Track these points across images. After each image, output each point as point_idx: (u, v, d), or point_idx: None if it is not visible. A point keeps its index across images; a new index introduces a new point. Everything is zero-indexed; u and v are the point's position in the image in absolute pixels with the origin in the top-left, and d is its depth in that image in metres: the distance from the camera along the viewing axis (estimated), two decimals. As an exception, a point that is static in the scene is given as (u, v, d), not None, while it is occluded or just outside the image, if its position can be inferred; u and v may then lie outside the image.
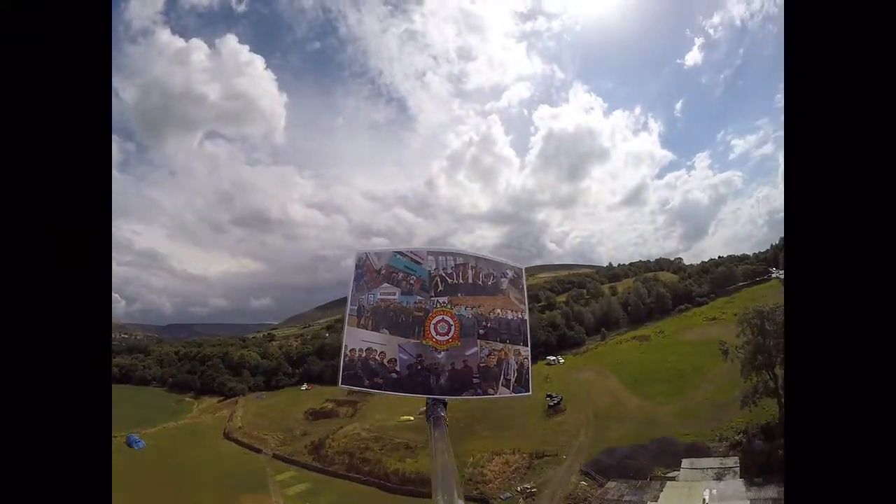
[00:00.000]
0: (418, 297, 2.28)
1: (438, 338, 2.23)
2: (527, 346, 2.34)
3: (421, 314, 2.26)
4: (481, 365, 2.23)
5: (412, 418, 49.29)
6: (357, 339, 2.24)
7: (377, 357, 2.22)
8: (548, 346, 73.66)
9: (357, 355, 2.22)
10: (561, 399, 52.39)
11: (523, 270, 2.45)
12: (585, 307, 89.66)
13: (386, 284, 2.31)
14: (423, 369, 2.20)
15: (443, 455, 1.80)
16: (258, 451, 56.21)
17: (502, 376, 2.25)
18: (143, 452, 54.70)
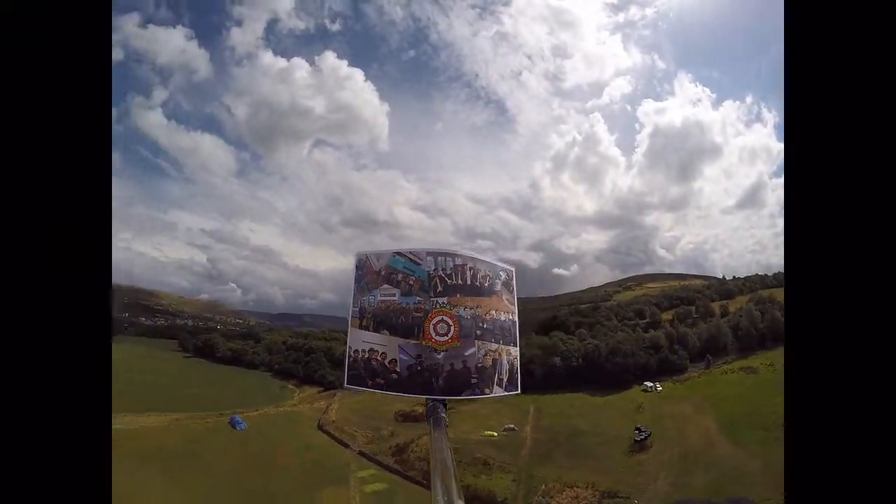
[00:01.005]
0: (418, 298, 2.29)
1: (438, 338, 2.23)
2: (516, 346, 2.36)
3: (420, 315, 2.27)
4: (479, 365, 2.24)
5: (496, 434, 49.74)
6: (360, 341, 2.27)
7: (379, 358, 2.24)
8: (647, 371, 69.12)
9: (360, 356, 2.25)
10: (648, 435, 48.97)
11: (513, 272, 2.47)
12: (692, 328, 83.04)
13: (386, 285, 2.32)
14: (422, 370, 2.21)
15: (443, 455, 1.81)
16: (346, 445, 58.13)
17: (496, 376, 2.27)
18: (244, 433, 57.86)
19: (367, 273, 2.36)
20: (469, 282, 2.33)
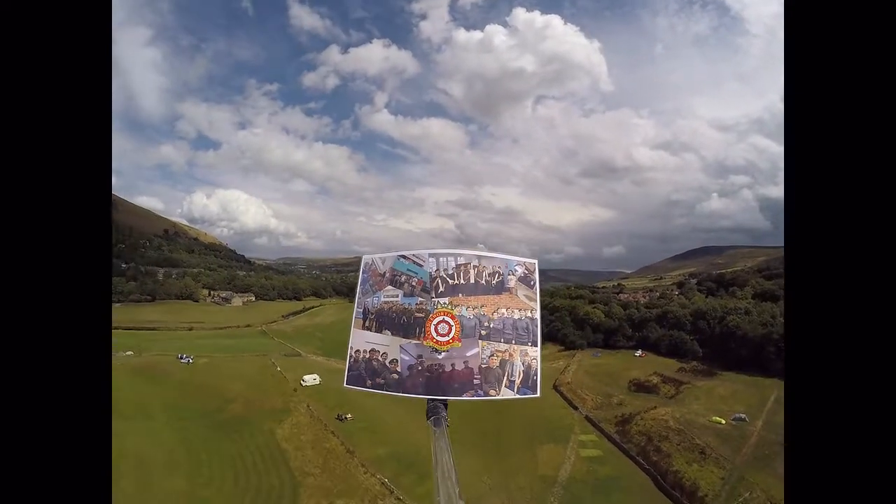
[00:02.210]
0: (419, 299, 2.30)
1: (439, 338, 2.23)
2: (536, 346, 2.29)
3: (422, 315, 2.28)
4: (483, 366, 2.22)
5: (723, 422, 46.35)
6: (362, 341, 2.30)
7: (380, 358, 2.26)
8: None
9: (361, 356, 2.28)
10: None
11: (536, 265, 2.38)
12: None
13: (389, 287, 2.35)
14: (423, 370, 2.21)
15: (443, 455, 1.81)
16: (575, 408, 57.48)
17: (505, 378, 2.23)
18: None
19: (372, 275, 2.40)
20: (472, 280, 2.32)
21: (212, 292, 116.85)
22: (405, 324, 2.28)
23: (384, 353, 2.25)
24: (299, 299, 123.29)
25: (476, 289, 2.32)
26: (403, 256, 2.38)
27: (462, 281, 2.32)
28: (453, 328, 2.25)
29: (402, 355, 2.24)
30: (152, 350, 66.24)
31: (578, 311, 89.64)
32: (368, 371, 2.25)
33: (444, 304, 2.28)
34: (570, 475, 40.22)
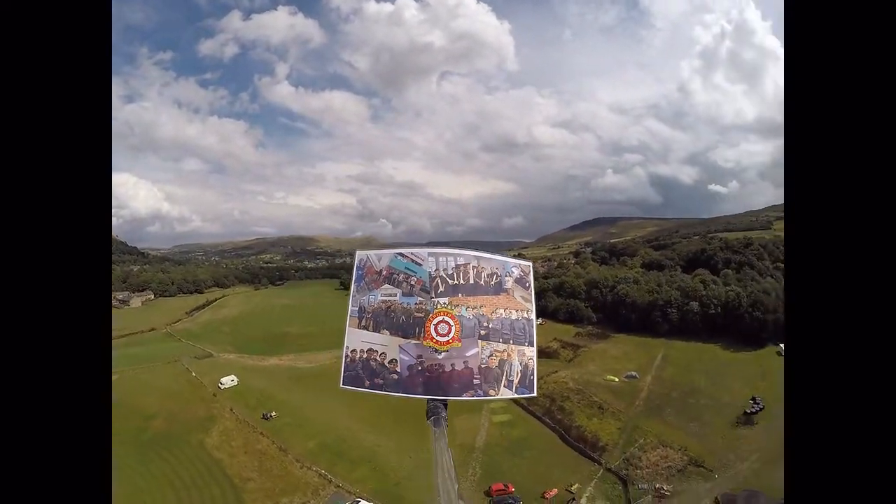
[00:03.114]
0: (419, 298, 2.29)
1: (439, 338, 2.23)
2: (532, 346, 2.32)
3: (422, 315, 2.26)
4: (482, 366, 2.22)
5: (616, 380, 50.78)
6: (358, 340, 2.26)
7: (378, 358, 2.23)
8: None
9: (358, 356, 2.25)
10: (761, 409, 43.80)
11: (531, 267, 2.43)
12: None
13: (387, 285, 2.32)
14: (423, 370, 2.20)
15: (443, 455, 1.80)
16: None
17: (504, 377, 2.24)
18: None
19: (368, 273, 2.37)
20: (472, 281, 2.32)
21: None
22: (404, 324, 2.26)
23: (383, 353, 2.23)
24: (201, 292, 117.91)
25: (475, 289, 2.32)
26: (401, 254, 2.36)
27: (462, 281, 2.32)
28: (453, 328, 2.24)
29: (401, 355, 2.22)
30: (53, 368, 63.38)
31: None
32: (366, 371, 2.23)
33: (444, 303, 2.28)
34: (485, 441, 42.70)
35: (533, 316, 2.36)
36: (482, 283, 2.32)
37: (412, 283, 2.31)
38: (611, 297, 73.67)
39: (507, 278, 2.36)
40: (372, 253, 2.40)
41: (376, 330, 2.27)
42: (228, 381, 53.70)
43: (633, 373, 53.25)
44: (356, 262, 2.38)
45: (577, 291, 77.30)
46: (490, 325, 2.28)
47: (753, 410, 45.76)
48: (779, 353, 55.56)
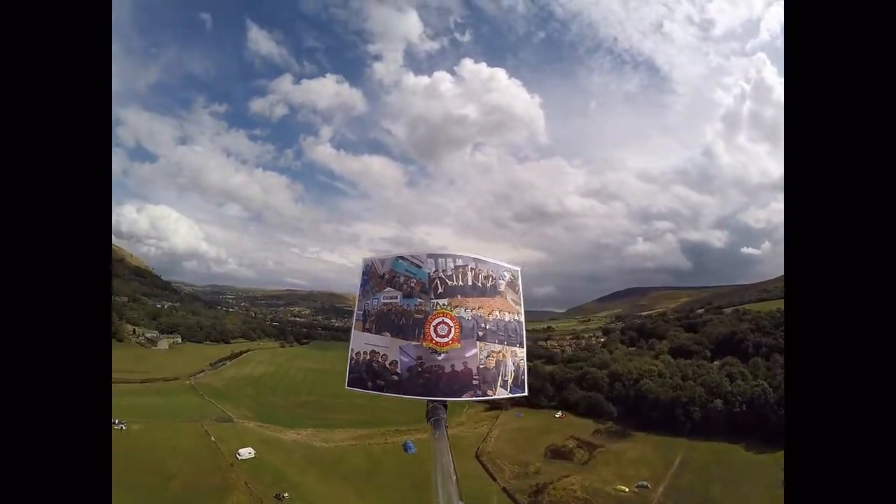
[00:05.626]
0: (419, 300, 2.31)
1: (438, 339, 2.24)
2: (522, 347, 2.36)
3: (421, 316, 2.28)
4: (480, 367, 2.24)
5: (626, 490, 49.32)
6: (362, 343, 2.29)
7: (380, 360, 2.25)
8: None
9: (362, 358, 2.27)
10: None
11: (519, 272, 2.47)
12: None
13: (389, 288, 2.34)
14: (423, 371, 2.21)
15: (443, 456, 1.81)
16: (494, 479, 59.26)
17: (500, 378, 2.26)
18: (415, 456, 59.77)
19: (372, 277, 2.39)
20: (470, 282, 2.34)
21: (136, 330, 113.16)
22: (404, 325, 2.27)
23: (384, 355, 2.25)
24: (227, 342, 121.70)
25: (473, 291, 2.34)
26: (402, 258, 2.39)
27: (461, 283, 2.33)
28: (452, 329, 2.25)
29: (401, 357, 2.23)
30: (80, 410, 65.20)
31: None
32: (369, 373, 2.25)
33: (444, 304, 2.29)
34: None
35: (522, 318, 2.41)
36: (480, 284, 2.35)
37: (412, 285, 2.33)
38: (633, 391, 72.75)
39: (500, 281, 2.40)
40: (376, 258, 2.44)
41: (378, 332, 2.29)
42: (246, 452, 55.97)
43: (645, 482, 51.53)
44: (362, 267, 2.42)
45: (600, 384, 76.86)
46: (487, 327, 2.30)
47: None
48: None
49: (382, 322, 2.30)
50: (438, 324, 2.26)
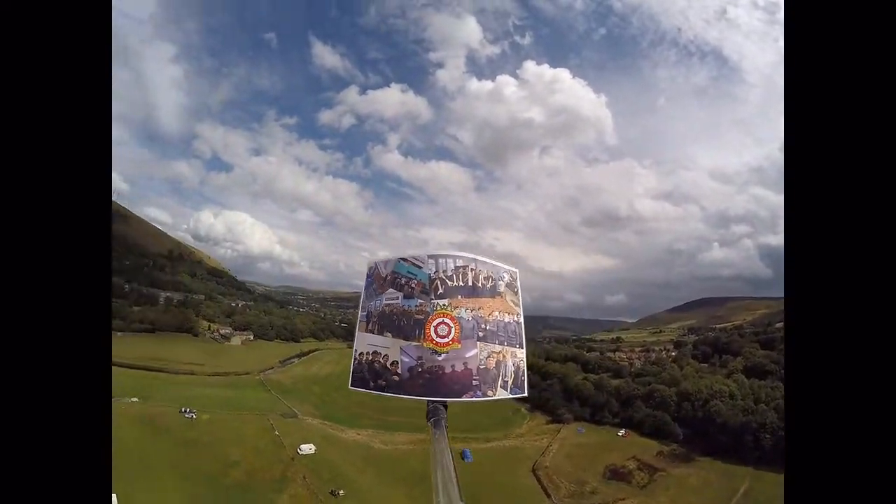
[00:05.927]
0: (419, 300, 2.31)
1: (439, 340, 2.24)
2: (522, 348, 2.37)
3: (422, 317, 2.28)
4: (480, 367, 2.24)
5: None
6: (365, 344, 2.31)
7: (381, 360, 2.26)
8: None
9: (365, 359, 2.29)
10: None
11: (517, 273, 2.49)
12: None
13: (391, 290, 2.36)
14: (423, 371, 2.22)
15: (443, 456, 1.81)
16: (549, 496, 57.64)
17: (500, 378, 2.27)
18: (471, 465, 59.27)
19: (376, 279, 2.42)
20: (470, 283, 2.35)
21: (211, 326, 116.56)
22: (405, 326, 2.28)
23: (385, 356, 2.26)
24: (297, 341, 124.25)
25: (473, 291, 2.34)
26: (404, 259, 2.40)
27: (461, 283, 2.34)
28: (453, 330, 2.26)
29: (402, 357, 2.24)
30: (155, 398, 67.09)
31: (569, 382, 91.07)
32: (371, 373, 2.26)
33: (444, 305, 2.29)
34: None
35: (521, 319, 2.42)
36: (479, 285, 2.36)
37: (413, 285, 2.34)
38: (702, 412, 69.94)
39: (499, 282, 2.42)
40: (379, 260, 2.46)
41: (380, 333, 2.30)
42: (307, 448, 57.15)
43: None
44: (367, 269, 2.45)
45: (668, 403, 74.37)
46: (487, 328, 2.31)
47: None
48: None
49: (384, 323, 2.31)
50: (439, 324, 2.26)
